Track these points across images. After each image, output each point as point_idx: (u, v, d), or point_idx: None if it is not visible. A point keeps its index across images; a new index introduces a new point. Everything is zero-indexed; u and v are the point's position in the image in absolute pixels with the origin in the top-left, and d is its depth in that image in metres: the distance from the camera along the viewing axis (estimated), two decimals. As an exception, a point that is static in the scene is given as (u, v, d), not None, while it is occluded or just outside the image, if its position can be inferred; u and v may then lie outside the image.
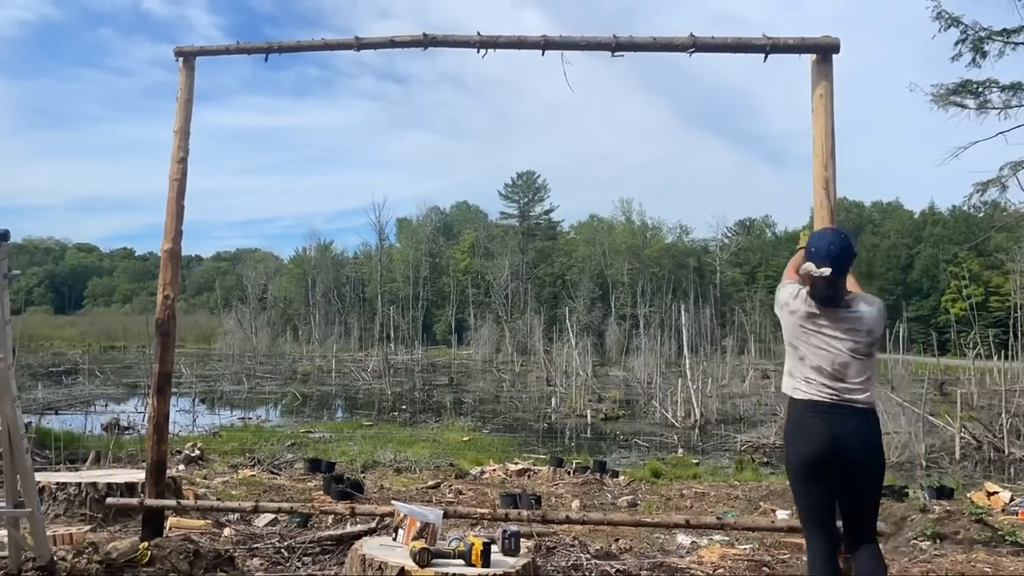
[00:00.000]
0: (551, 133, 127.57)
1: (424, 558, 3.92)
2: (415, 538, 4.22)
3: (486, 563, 3.99)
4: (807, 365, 3.59)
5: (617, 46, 4.83)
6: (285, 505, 6.41)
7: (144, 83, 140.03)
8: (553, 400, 28.63)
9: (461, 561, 3.99)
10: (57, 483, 6.74)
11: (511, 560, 4.17)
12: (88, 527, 6.24)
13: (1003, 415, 18.44)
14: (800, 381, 3.62)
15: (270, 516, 7.02)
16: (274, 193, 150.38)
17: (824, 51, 4.82)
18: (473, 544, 4.02)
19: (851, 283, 3.68)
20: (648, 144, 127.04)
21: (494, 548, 4.18)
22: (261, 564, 5.33)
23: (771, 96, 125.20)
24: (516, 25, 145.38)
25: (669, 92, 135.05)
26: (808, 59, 4.91)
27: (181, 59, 5.47)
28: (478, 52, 4.99)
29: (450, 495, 9.95)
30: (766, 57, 4.82)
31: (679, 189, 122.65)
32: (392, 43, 5.17)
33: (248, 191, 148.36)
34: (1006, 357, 31.12)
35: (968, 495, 10.10)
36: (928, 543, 7.00)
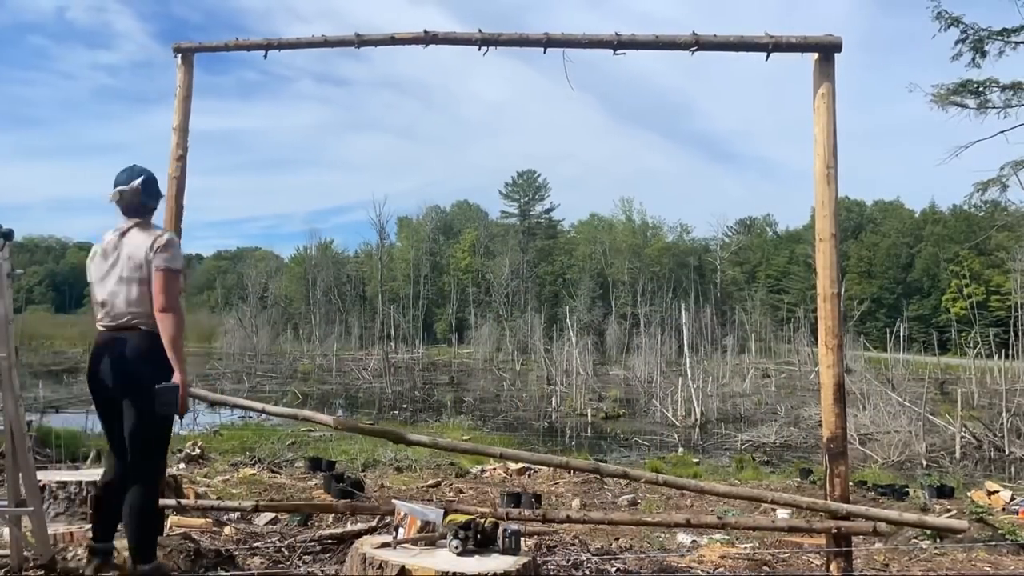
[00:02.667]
0: (503, 135, 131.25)
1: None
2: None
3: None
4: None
5: (619, 44, 4.80)
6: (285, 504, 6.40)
7: (91, 86, 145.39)
8: (554, 399, 28.62)
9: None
10: (58, 482, 6.72)
11: (511, 559, 4.15)
12: (89, 526, 6.23)
13: (1003, 414, 18.43)
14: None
15: (270, 515, 7.01)
16: (244, 193, 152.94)
17: (826, 50, 4.79)
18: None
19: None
20: (596, 144, 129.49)
21: (494, 547, 4.17)
22: (262, 563, 5.32)
23: (705, 96, 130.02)
24: (417, 21, 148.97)
25: (593, 88, 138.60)
26: (810, 58, 4.89)
27: (179, 56, 5.41)
28: (479, 49, 4.97)
29: (450, 494, 9.94)
30: (768, 56, 4.80)
31: (632, 189, 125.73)
32: (393, 40, 5.13)
33: (217, 191, 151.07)
34: (1006, 356, 31.13)
35: (968, 494, 10.11)
36: (929, 542, 7.00)
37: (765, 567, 5.97)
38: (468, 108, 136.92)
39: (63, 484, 6.70)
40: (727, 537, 6.98)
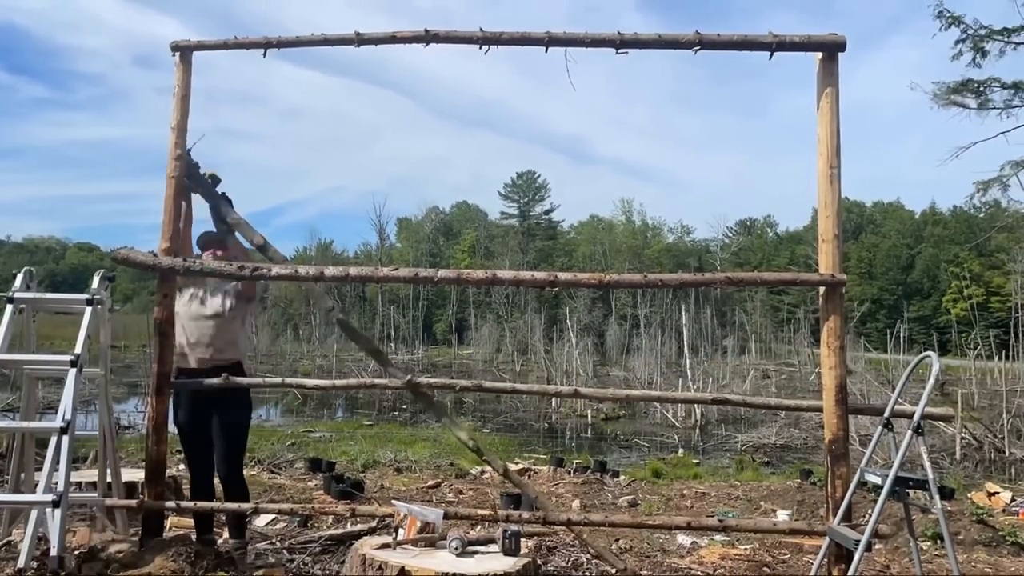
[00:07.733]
0: (371, 144, 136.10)
1: None
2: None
3: None
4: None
5: (621, 43, 4.78)
6: (285, 506, 6.39)
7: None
8: (554, 400, 28.59)
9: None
10: (56, 482, 6.71)
11: (511, 560, 4.15)
12: (88, 527, 6.22)
13: (1004, 415, 18.42)
14: None
15: (270, 515, 7.00)
16: (156, 198, 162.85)
17: (831, 49, 4.76)
18: None
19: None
20: (460, 146, 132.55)
21: (494, 547, 4.16)
22: (261, 563, 5.31)
23: (522, 98, 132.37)
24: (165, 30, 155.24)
25: (400, 87, 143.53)
26: (815, 58, 4.86)
27: (178, 54, 5.35)
28: (480, 48, 4.95)
29: (450, 495, 9.93)
30: (771, 55, 4.77)
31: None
32: (393, 39, 5.09)
33: (142, 196, 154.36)
34: (1007, 357, 31.09)
35: (969, 495, 10.08)
36: (929, 543, 6.98)
37: (765, 568, 5.96)
38: (308, 115, 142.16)
39: (62, 485, 6.69)
40: (727, 538, 6.96)
